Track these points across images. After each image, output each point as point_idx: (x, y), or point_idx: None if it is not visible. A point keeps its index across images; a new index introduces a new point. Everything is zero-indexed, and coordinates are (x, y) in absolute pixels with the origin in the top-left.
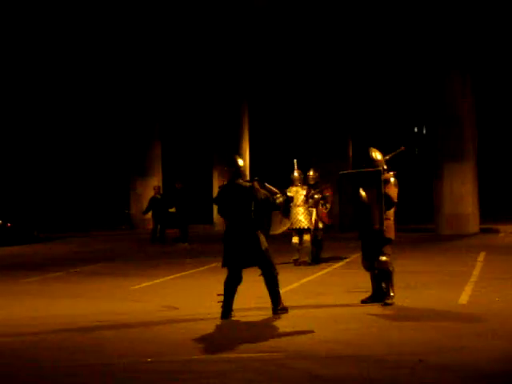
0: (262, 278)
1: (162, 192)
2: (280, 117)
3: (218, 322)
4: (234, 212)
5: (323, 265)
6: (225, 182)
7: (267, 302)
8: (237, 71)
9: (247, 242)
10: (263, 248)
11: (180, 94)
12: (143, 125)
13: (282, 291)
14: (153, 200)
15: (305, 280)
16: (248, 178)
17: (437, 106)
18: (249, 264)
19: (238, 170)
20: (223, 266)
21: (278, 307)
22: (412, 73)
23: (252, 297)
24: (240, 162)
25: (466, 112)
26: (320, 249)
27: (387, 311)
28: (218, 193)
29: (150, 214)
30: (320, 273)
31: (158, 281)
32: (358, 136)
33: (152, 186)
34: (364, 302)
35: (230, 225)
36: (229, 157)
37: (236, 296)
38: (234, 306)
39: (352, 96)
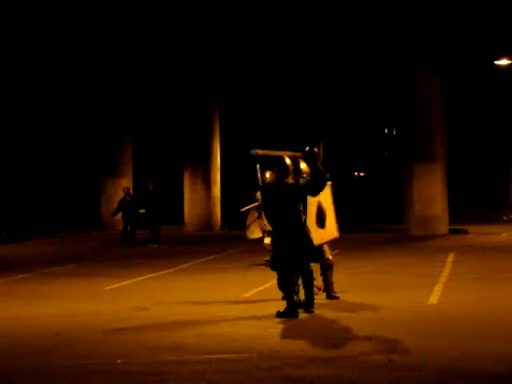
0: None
1: (131, 193)
2: (251, 117)
3: (189, 323)
4: (283, 213)
5: None
6: (270, 182)
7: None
8: (206, 72)
9: (298, 243)
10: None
11: (151, 94)
12: (114, 125)
13: (253, 292)
14: (122, 201)
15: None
16: (218, 182)
17: (406, 107)
18: (298, 265)
19: (286, 170)
20: (272, 269)
21: (311, 307)
22: (382, 74)
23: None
24: (287, 160)
25: (435, 113)
26: None
27: (354, 311)
28: (264, 194)
29: (120, 216)
30: None
31: (128, 282)
32: (329, 138)
33: (122, 186)
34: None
35: (279, 226)
36: (275, 157)
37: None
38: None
39: (322, 99)
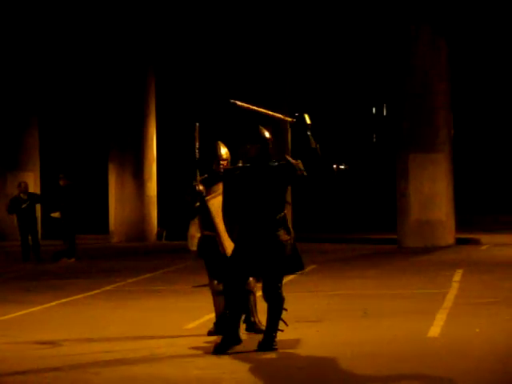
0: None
1: (34, 192)
2: (197, 91)
3: (112, 363)
4: (258, 207)
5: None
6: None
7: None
8: (138, 33)
9: (266, 247)
10: (284, 256)
11: (62, 61)
12: (15, 105)
13: (198, 322)
14: (15, 201)
15: None
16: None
17: (400, 79)
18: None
19: (266, 146)
20: (220, 280)
21: (274, 343)
22: (368, 31)
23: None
24: (267, 134)
25: (438, 86)
26: None
27: (331, 346)
28: (228, 183)
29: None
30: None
31: (32, 309)
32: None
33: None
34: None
35: (248, 225)
36: (250, 130)
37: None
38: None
39: (291, 64)
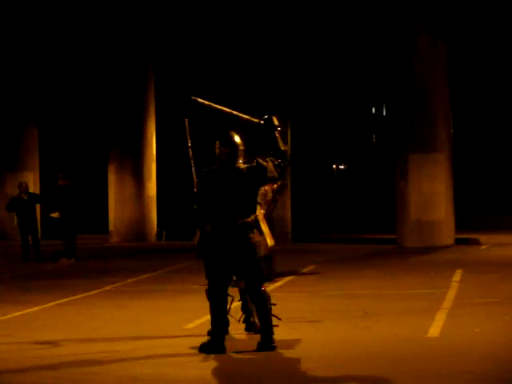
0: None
1: (35, 192)
2: (197, 93)
3: (108, 363)
4: (228, 210)
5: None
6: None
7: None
8: (139, 33)
9: (243, 254)
10: (257, 257)
11: (63, 61)
12: (15, 105)
13: (199, 322)
14: (15, 201)
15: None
16: (153, 177)
17: (399, 79)
18: (233, 276)
19: (236, 149)
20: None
21: (272, 342)
22: (368, 33)
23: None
24: (237, 138)
25: (438, 86)
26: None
27: (331, 346)
28: (201, 184)
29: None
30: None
31: (33, 309)
32: (300, 117)
33: (27, 182)
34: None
35: (218, 225)
36: (221, 133)
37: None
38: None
39: (291, 65)
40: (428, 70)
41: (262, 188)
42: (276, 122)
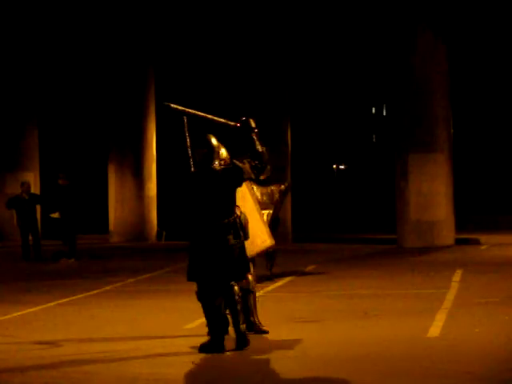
0: None
1: (35, 192)
2: (197, 93)
3: (108, 363)
4: (206, 210)
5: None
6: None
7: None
8: (139, 33)
9: (219, 253)
10: (233, 257)
11: (62, 60)
12: (15, 105)
13: (199, 321)
14: (15, 200)
15: None
16: (153, 177)
17: (399, 79)
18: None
19: (212, 152)
20: (188, 279)
21: (245, 344)
22: (368, 32)
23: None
24: (214, 141)
25: (438, 86)
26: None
27: (330, 346)
28: (180, 186)
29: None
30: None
31: (33, 309)
32: (299, 117)
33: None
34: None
35: (200, 228)
36: (198, 136)
37: None
38: None
39: (291, 65)
40: (428, 69)
41: (268, 188)
42: (253, 125)
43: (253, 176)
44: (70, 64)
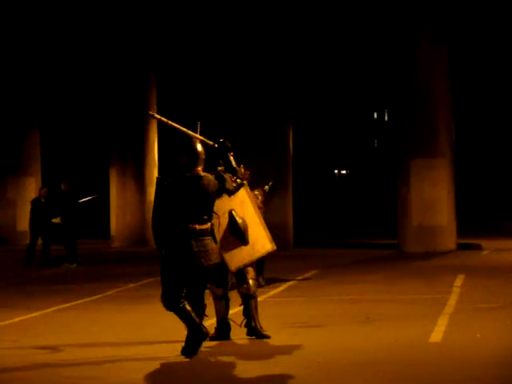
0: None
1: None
2: (197, 93)
3: (110, 368)
4: (184, 217)
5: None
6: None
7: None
8: (141, 37)
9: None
10: (207, 264)
11: (65, 67)
12: (16, 109)
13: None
14: (36, 204)
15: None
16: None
17: (402, 85)
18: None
19: (196, 157)
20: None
21: (193, 351)
22: (370, 39)
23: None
24: (199, 147)
25: (440, 92)
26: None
27: (331, 353)
28: (158, 192)
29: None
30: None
31: (34, 314)
32: (301, 122)
33: (28, 187)
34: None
35: (174, 231)
36: (183, 141)
37: None
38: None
39: (293, 70)
40: (430, 75)
41: (251, 193)
42: (229, 145)
43: (232, 188)
44: (72, 68)
